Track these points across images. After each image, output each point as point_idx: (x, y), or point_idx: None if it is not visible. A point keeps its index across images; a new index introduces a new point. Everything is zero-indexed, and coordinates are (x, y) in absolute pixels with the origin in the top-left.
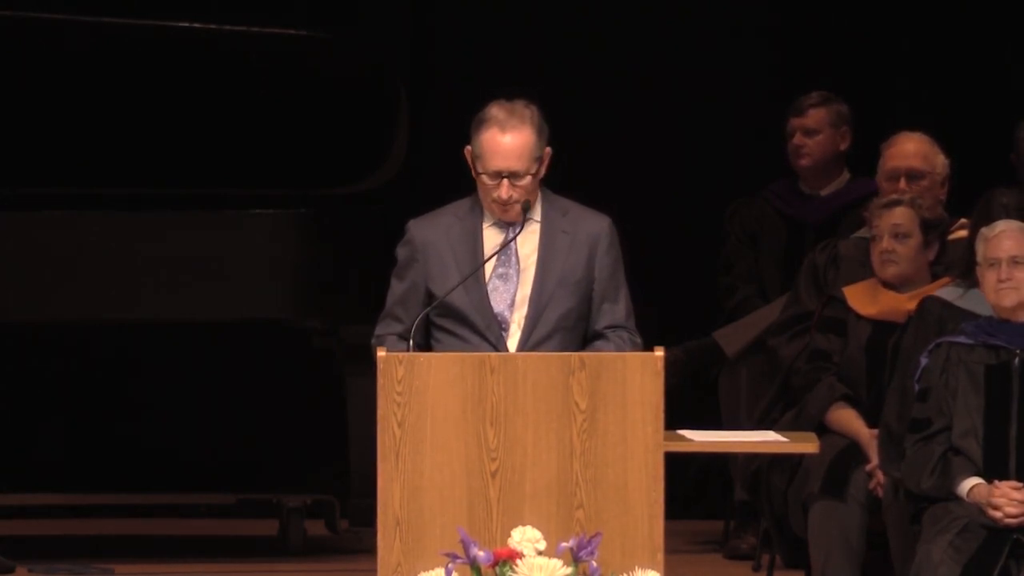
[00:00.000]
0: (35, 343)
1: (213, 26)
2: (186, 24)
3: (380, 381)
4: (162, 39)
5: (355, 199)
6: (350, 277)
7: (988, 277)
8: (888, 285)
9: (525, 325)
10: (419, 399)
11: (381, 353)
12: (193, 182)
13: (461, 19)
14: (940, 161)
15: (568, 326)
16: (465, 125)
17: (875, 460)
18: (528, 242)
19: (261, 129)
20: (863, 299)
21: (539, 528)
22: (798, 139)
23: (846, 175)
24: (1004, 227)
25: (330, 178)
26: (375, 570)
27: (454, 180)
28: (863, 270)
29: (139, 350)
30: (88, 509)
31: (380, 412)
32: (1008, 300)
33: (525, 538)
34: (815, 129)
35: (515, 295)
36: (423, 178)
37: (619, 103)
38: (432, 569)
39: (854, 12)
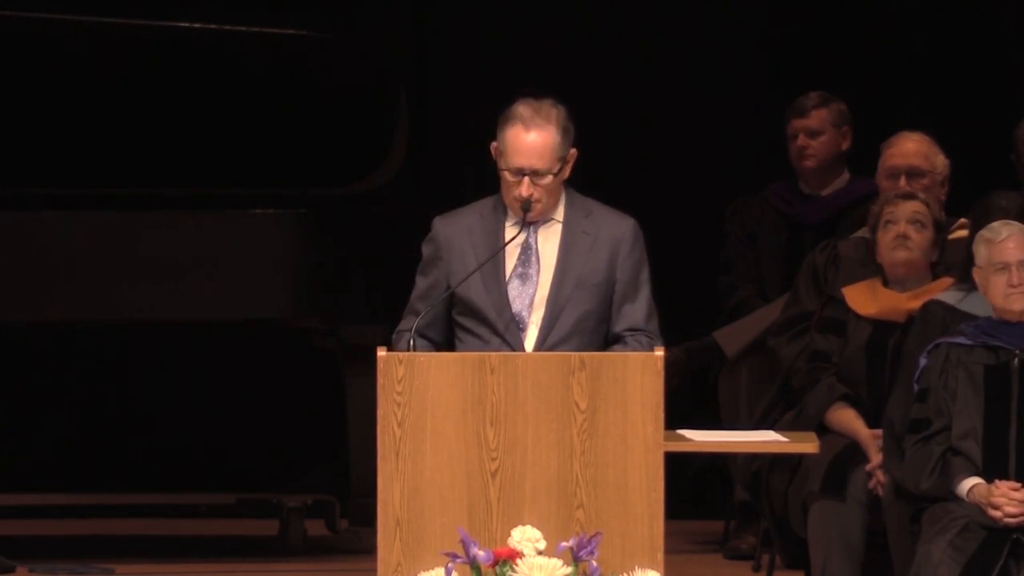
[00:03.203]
0: (35, 343)
1: (213, 26)
2: (186, 24)
3: (380, 381)
4: (162, 39)
5: (355, 199)
6: (350, 277)
7: (996, 282)
8: (888, 284)
9: (542, 326)
10: (419, 399)
11: (381, 353)
12: (193, 182)
13: (461, 19)
14: (940, 161)
15: (588, 328)
16: (464, 125)
17: (875, 460)
18: (549, 242)
19: (261, 129)
20: (862, 299)
21: (539, 528)
22: (802, 140)
23: (846, 175)
24: (1008, 231)
25: (330, 178)
26: (375, 570)
27: (454, 180)
28: (863, 270)
29: (139, 350)
30: (88, 509)
31: (380, 412)
32: (1018, 304)
33: (525, 538)
34: (818, 130)
35: (534, 295)
36: (423, 178)
37: (618, 104)
38: (432, 569)
39: (854, 13)
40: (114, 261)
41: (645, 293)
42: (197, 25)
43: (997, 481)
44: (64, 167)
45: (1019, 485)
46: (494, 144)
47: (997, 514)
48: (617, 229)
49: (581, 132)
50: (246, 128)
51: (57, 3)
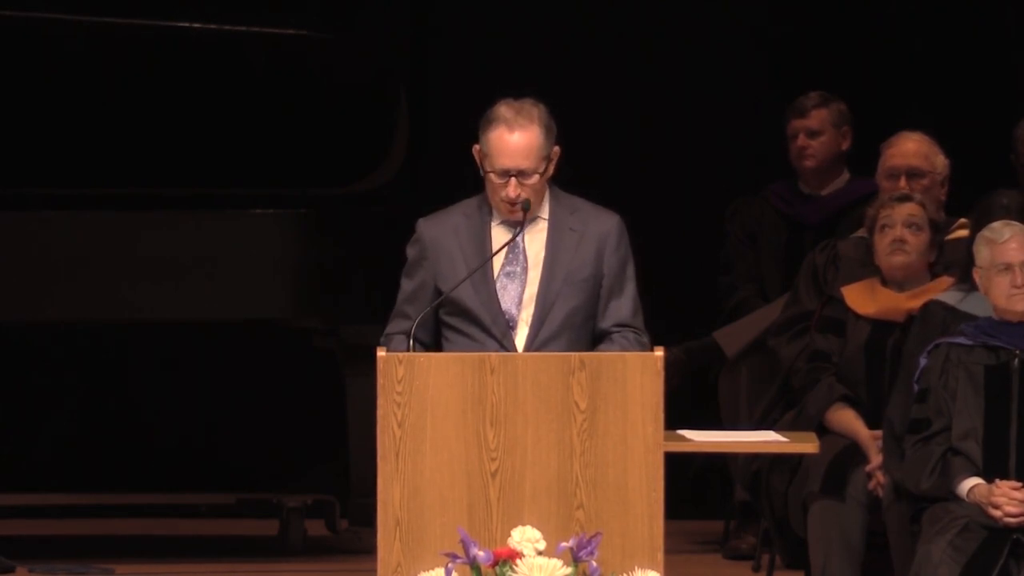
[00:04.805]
0: (35, 343)
1: (213, 26)
2: (186, 24)
3: (380, 381)
4: (162, 39)
5: (355, 199)
6: (350, 277)
7: (998, 282)
8: (887, 284)
9: (532, 323)
10: (419, 399)
11: (381, 353)
12: (193, 182)
13: (461, 19)
14: (940, 161)
15: (576, 324)
16: (464, 125)
17: (875, 460)
18: (536, 240)
19: (261, 129)
20: (862, 299)
21: (539, 528)
22: (802, 141)
23: (846, 175)
24: (1011, 232)
25: (330, 178)
26: (375, 570)
27: (454, 180)
28: (863, 270)
29: (139, 350)
30: (88, 509)
31: (380, 412)
32: (1022, 305)
33: (525, 538)
34: (818, 130)
35: (522, 293)
36: (423, 178)
37: (618, 103)
38: (432, 569)
39: (854, 13)
40: (114, 261)
41: (631, 289)
42: (197, 25)
43: (997, 481)
44: (64, 167)
45: (1020, 485)
46: (476, 147)
47: (997, 514)
48: (603, 225)
49: (581, 132)
50: (246, 128)
51: (57, 3)
